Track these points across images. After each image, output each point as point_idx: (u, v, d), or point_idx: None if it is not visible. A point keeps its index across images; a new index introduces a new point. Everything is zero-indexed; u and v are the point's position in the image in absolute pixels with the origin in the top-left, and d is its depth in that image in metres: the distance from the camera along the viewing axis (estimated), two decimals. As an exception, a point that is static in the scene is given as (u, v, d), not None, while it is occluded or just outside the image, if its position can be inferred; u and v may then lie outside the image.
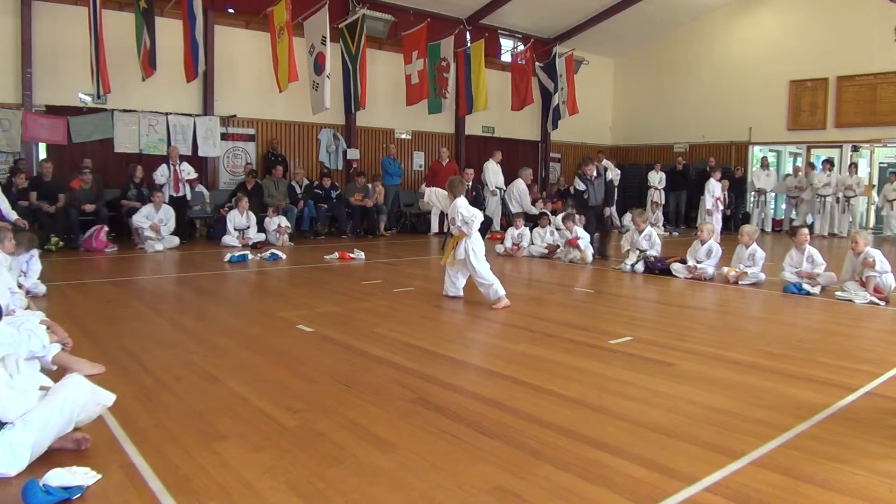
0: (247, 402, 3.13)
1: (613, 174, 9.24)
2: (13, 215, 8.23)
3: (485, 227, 10.34)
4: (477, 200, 10.43)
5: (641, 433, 2.81)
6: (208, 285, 6.89)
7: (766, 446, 2.66)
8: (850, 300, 6.08)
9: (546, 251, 9.55)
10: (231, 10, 12.08)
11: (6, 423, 2.38)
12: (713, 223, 11.25)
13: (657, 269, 7.85)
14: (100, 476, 2.30)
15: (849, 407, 3.18)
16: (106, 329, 4.65)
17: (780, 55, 15.19)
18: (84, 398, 2.54)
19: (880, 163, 15.24)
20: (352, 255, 8.81)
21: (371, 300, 6.01)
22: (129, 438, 2.66)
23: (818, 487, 2.32)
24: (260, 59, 11.81)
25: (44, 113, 10.29)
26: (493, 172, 13.10)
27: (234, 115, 12.16)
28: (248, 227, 10.24)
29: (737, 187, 14.80)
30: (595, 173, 9.18)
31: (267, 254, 8.80)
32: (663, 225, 14.74)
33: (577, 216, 9.34)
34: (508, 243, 9.70)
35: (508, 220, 11.65)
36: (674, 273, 7.61)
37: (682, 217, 15.82)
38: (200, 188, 11.40)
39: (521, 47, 16.04)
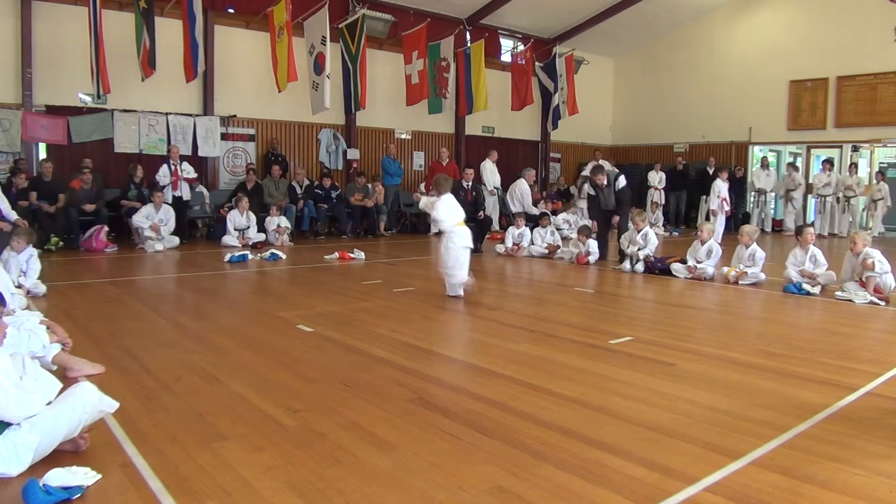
0: (247, 402, 3.13)
1: (623, 181, 9.20)
2: (13, 215, 8.23)
3: (484, 228, 10.43)
4: (477, 201, 10.42)
5: (641, 433, 2.81)
6: (208, 285, 6.89)
7: (766, 446, 2.66)
8: (850, 300, 6.08)
9: (546, 251, 9.55)
10: (231, 10, 12.08)
11: (10, 425, 2.38)
12: (717, 224, 11.27)
13: (657, 269, 7.85)
14: (100, 476, 2.30)
15: (849, 407, 3.18)
16: (106, 329, 4.65)
17: (780, 55, 15.19)
18: (92, 406, 2.55)
19: (880, 163, 15.24)
20: (352, 255, 8.81)
21: (371, 300, 6.01)
22: (129, 438, 2.66)
23: (818, 487, 2.32)
24: (260, 59, 11.81)
25: (44, 113, 10.29)
26: (489, 172, 13.10)
27: (234, 115, 12.16)
28: (248, 227, 10.24)
29: (737, 187, 14.79)
30: (605, 182, 9.21)
31: (267, 254, 8.80)
32: (663, 225, 14.74)
33: (592, 224, 9.35)
34: (509, 243, 9.70)
35: (508, 219, 11.64)
36: (674, 273, 7.61)
37: (682, 217, 15.82)
38: (200, 188, 11.40)
39: (521, 47, 16.04)
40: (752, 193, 15.42)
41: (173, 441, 2.65)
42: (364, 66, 12.15)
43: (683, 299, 6.55)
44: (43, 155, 10.55)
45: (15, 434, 2.35)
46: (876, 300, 5.99)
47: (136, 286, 6.84)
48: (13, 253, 5.77)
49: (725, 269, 7.37)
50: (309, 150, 13.26)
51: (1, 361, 2.48)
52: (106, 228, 9.57)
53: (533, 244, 9.71)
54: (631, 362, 3.95)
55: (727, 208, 11.78)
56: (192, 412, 2.99)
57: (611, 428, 2.86)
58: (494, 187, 12.99)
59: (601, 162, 15.44)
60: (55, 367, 3.37)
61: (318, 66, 11.49)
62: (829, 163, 14.27)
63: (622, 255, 8.35)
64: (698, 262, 7.54)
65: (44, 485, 2.14)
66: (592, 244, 8.88)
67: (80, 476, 2.25)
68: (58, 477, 2.19)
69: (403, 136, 14.68)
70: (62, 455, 2.45)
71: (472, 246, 6.17)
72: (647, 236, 8.21)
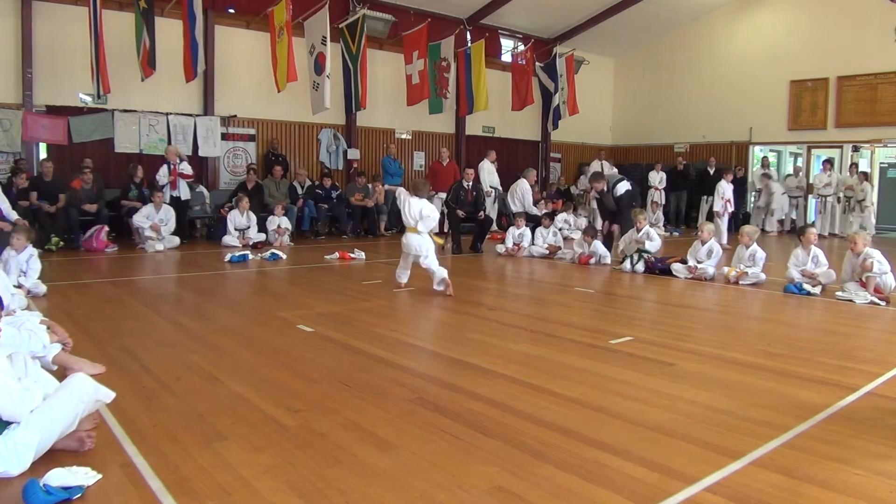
0: (247, 402, 3.13)
1: (623, 188, 9.23)
2: (13, 215, 8.23)
3: (485, 228, 10.44)
4: (478, 201, 10.43)
5: (641, 433, 2.81)
6: (208, 285, 6.89)
7: (766, 446, 2.66)
8: (851, 300, 6.08)
9: (547, 252, 9.55)
10: (231, 10, 12.08)
11: (10, 424, 2.38)
12: (722, 225, 11.26)
13: (657, 269, 7.85)
14: (100, 476, 2.30)
15: (849, 407, 3.18)
16: (106, 329, 4.65)
17: (780, 55, 15.19)
18: (88, 398, 2.55)
19: (881, 163, 15.24)
20: (352, 255, 8.81)
21: (371, 300, 6.01)
22: (129, 438, 2.66)
23: (818, 487, 2.32)
24: (260, 59, 11.81)
25: (44, 113, 10.29)
26: (488, 172, 13.10)
27: (235, 115, 12.17)
28: (249, 227, 10.24)
29: (738, 187, 14.78)
30: (605, 188, 9.24)
31: (267, 254, 8.80)
32: (664, 225, 14.74)
33: (603, 225, 9.38)
34: (509, 243, 9.70)
35: (508, 219, 11.64)
36: (674, 273, 7.61)
37: (683, 217, 15.82)
38: (201, 188, 11.41)
39: (521, 47, 16.04)
40: (753, 194, 15.42)
41: (173, 441, 2.65)
42: (364, 66, 12.15)
43: (684, 299, 6.55)
44: (43, 155, 10.56)
45: (14, 433, 2.35)
46: (876, 300, 5.99)
47: (137, 286, 6.84)
48: (13, 253, 5.77)
49: (726, 269, 7.37)
50: (309, 150, 13.26)
51: (3, 364, 2.48)
52: (106, 228, 9.57)
53: (534, 244, 9.71)
54: (631, 362, 3.95)
55: (731, 209, 11.78)
56: (192, 412, 2.99)
57: (611, 428, 2.86)
58: (492, 187, 12.99)
59: (603, 162, 15.48)
60: (55, 367, 3.37)
61: (319, 66, 11.49)
62: (829, 163, 14.26)
63: (622, 256, 8.35)
64: (699, 263, 7.54)
65: (44, 485, 2.14)
66: (598, 245, 8.85)
67: (80, 476, 2.25)
68: (58, 477, 2.19)
69: (404, 136, 14.68)
70: (63, 455, 2.45)
71: (413, 252, 6.36)
72: (648, 234, 8.21)
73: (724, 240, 10.86)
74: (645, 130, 17.96)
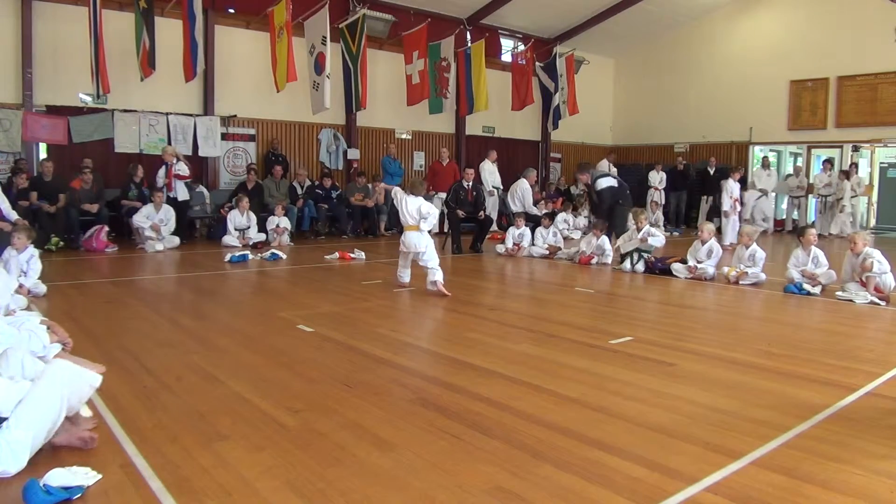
0: (247, 402, 3.13)
1: (604, 183, 9.27)
2: (14, 215, 8.23)
3: (485, 227, 10.43)
4: (478, 201, 10.43)
5: (641, 433, 2.80)
6: (208, 285, 6.89)
7: (766, 446, 2.66)
8: (851, 300, 6.08)
9: (547, 252, 9.55)
10: (231, 10, 12.08)
11: (3, 420, 2.38)
12: (729, 225, 11.25)
13: (657, 269, 7.85)
14: (100, 476, 2.30)
15: (849, 407, 3.18)
16: (106, 329, 4.65)
17: (780, 55, 15.19)
18: (70, 382, 2.52)
19: (881, 163, 15.24)
20: (352, 255, 8.81)
21: (371, 300, 6.01)
22: (129, 438, 2.66)
23: (819, 487, 2.32)
24: (260, 59, 11.81)
25: (44, 113, 10.29)
26: (488, 172, 13.10)
27: (235, 115, 12.16)
28: (249, 227, 10.24)
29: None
30: (589, 181, 9.27)
31: (267, 254, 8.80)
32: (664, 225, 14.74)
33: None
34: (509, 243, 9.70)
35: (508, 219, 11.64)
36: (674, 273, 7.61)
37: (683, 217, 15.82)
38: (201, 188, 11.41)
39: (521, 47, 16.04)
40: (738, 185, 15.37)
41: (173, 441, 2.65)
42: (364, 66, 12.15)
43: (684, 299, 6.55)
44: (43, 155, 10.55)
45: (6, 433, 2.34)
46: (877, 300, 5.99)
47: (137, 286, 6.84)
48: (14, 253, 5.77)
49: (726, 269, 7.37)
50: (309, 150, 13.26)
51: None
52: (106, 228, 9.56)
53: (534, 244, 9.71)
54: (631, 362, 3.95)
55: (739, 209, 11.76)
56: (193, 412, 2.99)
57: (611, 428, 2.86)
58: (493, 187, 12.99)
59: (604, 162, 15.48)
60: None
61: (319, 66, 11.49)
62: (829, 163, 14.26)
63: (622, 256, 8.35)
64: (699, 263, 7.54)
65: (44, 485, 2.14)
66: (605, 241, 8.85)
67: (80, 476, 2.25)
68: (58, 477, 2.18)
69: (404, 136, 14.68)
70: (63, 455, 2.45)
71: (414, 250, 6.40)
72: (650, 233, 8.20)
73: (733, 239, 10.85)
74: (645, 130, 17.96)
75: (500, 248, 9.81)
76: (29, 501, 2.10)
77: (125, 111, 10.95)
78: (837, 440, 2.75)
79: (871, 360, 4.07)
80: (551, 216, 10.78)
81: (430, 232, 6.52)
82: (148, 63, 10.18)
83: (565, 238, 10.91)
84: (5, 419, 2.38)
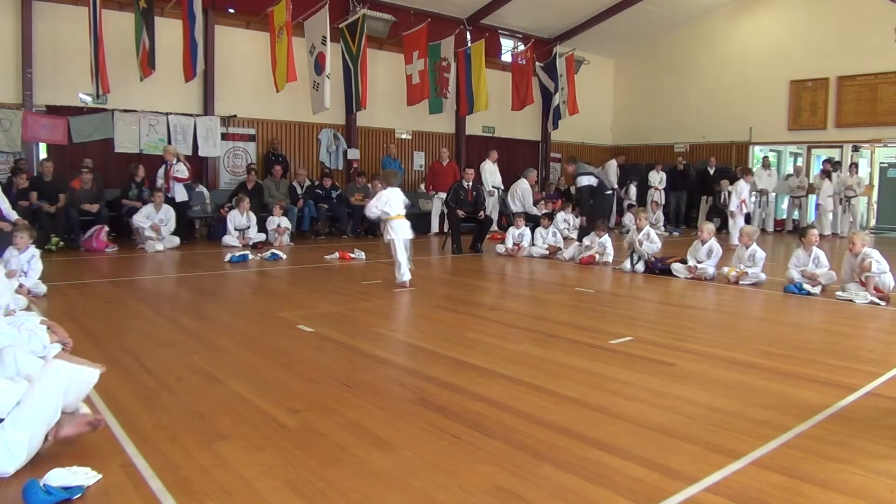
0: (247, 402, 3.13)
1: (584, 181, 9.36)
2: (14, 215, 8.23)
3: (485, 227, 10.43)
4: (478, 201, 10.44)
5: (641, 433, 2.80)
6: (208, 285, 6.89)
7: (766, 446, 2.66)
8: (851, 300, 6.07)
9: (547, 252, 9.54)
10: (231, 11, 12.08)
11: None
12: (736, 226, 11.25)
13: (657, 269, 7.85)
14: (100, 476, 2.30)
15: (849, 407, 3.18)
16: (106, 329, 4.65)
17: (780, 55, 15.19)
18: (66, 381, 2.51)
19: (881, 163, 15.24)
20: (352, 255, 8.81)
21: (371, 300, 6.01)
22: (129, 438, 2.66)
23: (819, 487, 2.32)
24: (260, 59, 11.81)
25: (44, 113, 10.29)
26: (489, 172, 13.11)
27: (235, 115, 12.16)
28: (249, 227, 10.24)
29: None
30: (575, 173, 9.38)
31: (267, 254, 8.80)
32: (664, 225, 14.74)
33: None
34: (509, 243, 9.69)
35: (508, 219, 11.65)
36: (674, 273, 7.61)
37: (683, 217, 15.82)
38: (201, 188, 11.40)
39: (521, 47, 16.04)
40: (754, 194, 15.41)
41: (173, 441, 2.65)
42: (364, 66, 12.15)
43: (684, 299, 6.55)
44: (43, 155, 10.55)
45: (4, 434, 2.33)
46: (876, 300, 5.99)
47: (137, 286, 6.84)
48: (15, 252, 5.77)
49: (726, 269, 7.36)
50: (309, 150, 13.26)
51: None
52: (106, 228, 9.56)
53: (534, 245, 9.71)
54: (631, 362, 3.95)
55: (746, 210, 11.75)
56: (193, 412, 2.99)
57: (611, 428, 2.86)
58: (494, 187, 13.00)
59: (613, 162, 15.48)
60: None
61: (319, 66, 11.49)
62: (829, 163, 14.26)
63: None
64: (699, 263, 7.54)
65: (44, 485, 2.14)
66: (607, 240, 8.87)
67: (80, 476, 2.25)
68: (58, 477, 2.19)
69: (404, 136, 14.68)
70: (63, 455, 2.44)
71: (411, 236, 6.78)
72: (648, 235, 8.21)
73: (736, 240, 10.86)
74: (645, 130, 17.97)
75: (500, 248, 9.81)
76: (29, 501, 2.10)
77: (125, 111, 10.95)
78: (837, 440, 2.75)
79: (871, 360, 4.07)
80: (551, 216, 10.78)
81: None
82: (148, 63, 10.18)
83: (565, 238, 10.91)
84: (2, 420, 2.38)
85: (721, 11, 16.30)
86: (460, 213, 10.10)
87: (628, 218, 13.25)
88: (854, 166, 14.08)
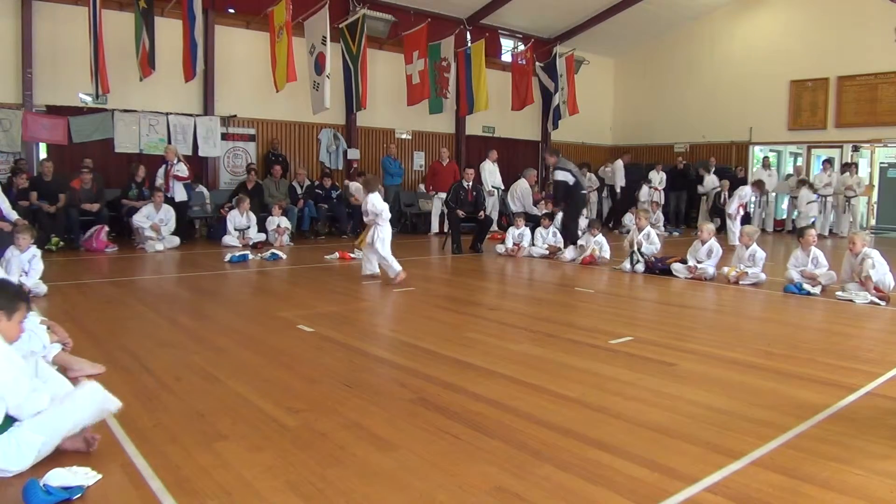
0: (247, 402, 3.13)
1: (560, 176, 9.44)
2: (14, 215, 8.22)
3: (485, 227, 10.43)
4: (478, 200, 10.44)
5: (642, 433, 2.81)
6: (208, 285, 6.89)
7: (766, 446, 2.66)
8: (851, 300, 6.07)
9: (547, 252, 9.54)
10: (231, 11, 12.08)
11: (15, 421, 2.38)
12: (734, 226, 11.25)
13: (657, 269, 7.85)
14: (100, 476, 2.30)
15: (849, 407, 3.18)
16: (106, 329, 4.65)
17: (780, 55, 15.19)
18: (99, 405, 2.55)
19: (881, 163, 15.24)
20: (352, 255, 8.80)
21: (371, 300, 6.01)
22: (129, 438, 2.66)
23: (819, 487, 2.32)
24: (260, 59, 11.81)
25: (44, 113, 10.29)
26: (489, 172, 13.11)
27: (235, 115, 12.16)
28: (249, 227, 10.24)
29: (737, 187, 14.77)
30: (555, 165, 9.51)
31: (267, 254, 8.80)
32: (664, 225, 14.74)
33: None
34: (509, 243, 9.69)
35: (509, 219, 11.65)
36: (674, 273, 7.61)
37: (682, 217, 15.82)
38: (201, 188, 11.40)
39: (521, 47, 16.03)
40: (755, 194, 15.41)
41: (174, 441, 2.65)
42: (365, 66, 12.14)
43: (684, 299, 6.55)
44: (43, 155, 10.55)
45: (19, 432, 2.35)
46: (877, 300, 5.99)
47: (137, 286, 6.84)
48: (16, 252, 5.77)
49: (726, 269, 7.36)
50: (309, 150, 13.26)
51: (18, 360, 2.49)
52: (106, 228, 9.56)
53: (534, 245, 9.71)
54: (631, 362, 3.95)
55: (743, 213, 11.76)
56: (193, 412, 2.99)
57: (611, 428, 2.86)
58: (493, 187, 13.00)
59: (619, 162, 15.49)
60: (55, 368, 3.36)
61: (319, 66, 11.49)
62: (829, 163, 14.26)
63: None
64: (699, 263, 7.54)
65: (44, 485, 2.14)
66: (602, 238, 8.88)
67: (80, 476, 2.25)
68: (58, 477, 2.19)
69: (404, 136, 14.68)
70: (63, 455, 2.44)
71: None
72: (649, 236, 8.21)
73: (734, 241, 10.87)
74: (645, 130, 17.96)
75: (500, 248, 9.80)
76: (29, 501, 2.11)
77: (125, 111, 10.95)
78: (837, 440, 2.75)
79: (871, 360, 4.07)
80: (551, 216, 10.77)
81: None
82: (148, 63, 10.17)
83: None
84: (14, 422, 2.39)
85: (721, 11, 16.30)
86: (460, 213, 10.10)
87: (629, 218, 13.26)
88: (854, 166, 14.06)
